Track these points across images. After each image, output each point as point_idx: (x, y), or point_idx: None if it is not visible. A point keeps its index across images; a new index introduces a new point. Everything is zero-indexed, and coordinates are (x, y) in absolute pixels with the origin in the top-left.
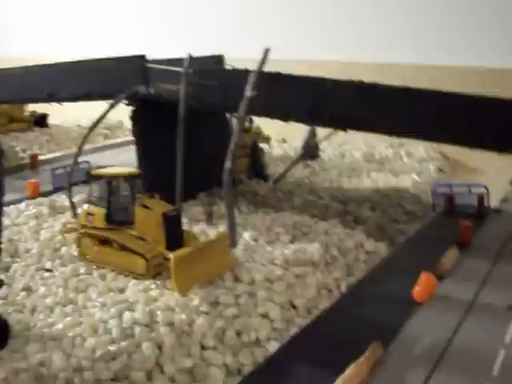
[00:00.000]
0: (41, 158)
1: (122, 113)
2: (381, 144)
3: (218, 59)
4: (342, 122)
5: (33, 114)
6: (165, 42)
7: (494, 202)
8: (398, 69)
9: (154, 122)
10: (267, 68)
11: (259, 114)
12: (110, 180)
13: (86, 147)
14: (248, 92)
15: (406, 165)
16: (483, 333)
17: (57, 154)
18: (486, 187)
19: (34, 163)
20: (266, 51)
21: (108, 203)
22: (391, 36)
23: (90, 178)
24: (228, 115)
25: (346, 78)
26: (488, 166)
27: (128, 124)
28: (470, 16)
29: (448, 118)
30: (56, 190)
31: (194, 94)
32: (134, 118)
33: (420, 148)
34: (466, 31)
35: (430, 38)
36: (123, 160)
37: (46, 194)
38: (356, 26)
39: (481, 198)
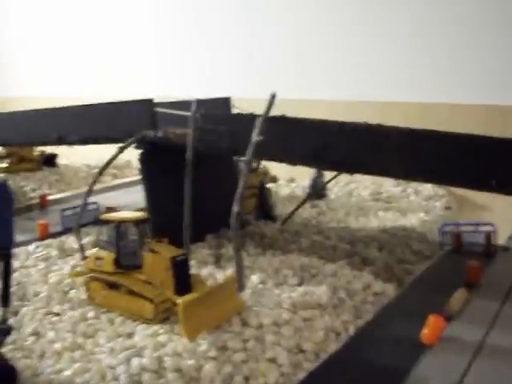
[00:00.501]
0: (50, 197)
1: (130, 153)
2: (388, 182)
3: (225, 101)
4: (347, 165)
5: (42, 153)
6: (173, 81)
7: (501, 239)
8: (402, 107)
9: (162, 164)
10: (275, 109)
11: (266, 158)
12: (119, 224)
13: (95, 187)
14: (255, 137)
15: (414, 203)
16: (493, 375)
17: (66, 194)
18: (493, 225)
19: (44, 203)
20: (273, 96)
21: (117, 247)
22: (395, 74)
23: (98, 222)
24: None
25: (351, 117)
26: (495, 203)
27: (136, 163)
28: (475, 54)
29: (452, 160)
30: (65, 231)
31: (201, 137)
32: (143, 160)
33: (427, 185)
34: (471, 69)
35: (434, 75)
36: (131, 200)
37: (56, 235)
38: (359, 66)
39: (488, 236)
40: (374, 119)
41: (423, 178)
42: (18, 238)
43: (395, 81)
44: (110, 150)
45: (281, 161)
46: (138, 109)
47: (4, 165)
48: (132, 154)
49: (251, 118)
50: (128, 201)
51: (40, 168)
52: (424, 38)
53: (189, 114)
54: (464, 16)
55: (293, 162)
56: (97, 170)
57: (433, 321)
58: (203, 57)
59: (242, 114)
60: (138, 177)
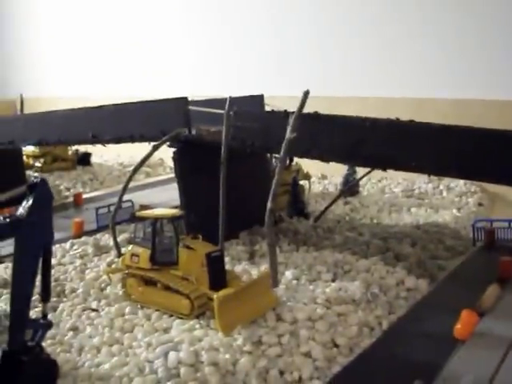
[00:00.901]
0: (84, 196)
1: (163, 151)
2: (420, 179)
3: (258, 99)
4: (380, 161)
5: (76, 152)
6: (206, 79)
7: None
8: (434, 103)
9: (195, 162)
10: (307, 106)
11: (299, 155)
12: (155, 221)
13: (128, 186)
14: (288, 134)
15: (446, 199)
16: None
17: (100, 193)
18: None
19: (78, 202)
20: (306, 94)
21: (152, 244)
22: (427, 71)
23: (134, 219)
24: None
25: (383, 113)
26: None
27: (169, 162)
28: (510, 49)
29: (487, 155)
30: (100, 229)
31: (234, 135)
32: (176, 158)
33: (459, 182)
34: (505, 65)
35: (467, 72)
36: (165, 198)
37: (91, 233)
38: (393, 62)
39: None
40: (406, 116)
41: (456, 173)
42: (55, 235)
43: (428, 77)
44: (142, 148)
45: (314, 158)
46: (172, 107)
47: (38, 164)
48: (165, 153)
49: (284, 115)
50: (161, 199)
51: (74, 167)
52: (457, 34)
53: (222, 111)
54: (498, 12)
55: (326, 158)
56: (130, 169)
57: (466, 316)
58: (235, 55)
59: (275, 112)
60: (171, 175)
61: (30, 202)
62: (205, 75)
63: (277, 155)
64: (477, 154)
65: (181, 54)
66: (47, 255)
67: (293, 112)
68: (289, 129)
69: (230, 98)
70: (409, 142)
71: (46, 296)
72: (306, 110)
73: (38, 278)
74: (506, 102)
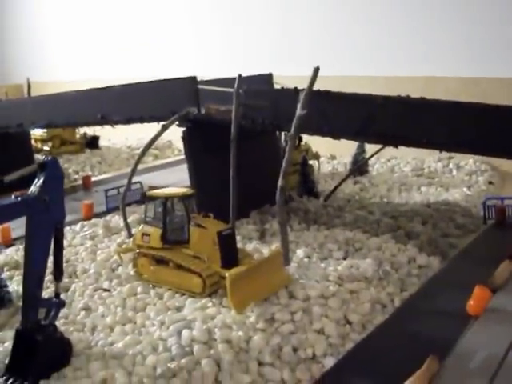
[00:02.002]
0: (93, 179)
1: (172, 133)
2: (429, 158)
3: (267, 78)
4: (391, 138)
5: (84, 136)
6: (214, 60)
7: None
8: (444, 82)
9: (205, 142)
10: (316, 85)
11: (310, 133)
12: (165, 200)
13: (137, 168)
14: (299, 111)
15: (456, 178)
16: None
17: (108, 175)
18: None
19: (87, 184)
20: (316, 70)
21: (163, 223)
22: (436, 49)
23: (145, 198)
24: (277, 133)
25: (394, 93)
26: None
27: (177, 144)
28: None
29: (498, 131)
30: (110, 211)
31: (244, 113)
32: (186, 138)
33: (469, 161)
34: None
35: (476, 50)
36: (174, 180)
37: (100, 215)
38: (400, 41)
39: None
40: (415, 94)
41: (467, 149)
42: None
43: (437, 56)
44: (150, 131)
45: (325, 135)
46: (181, 86)
47: (47, 148)
48: (173, 134)
49: (295, 92)
50: (170, 180)
51: (82, 150)
52: (466, 12)
53: (232, 90)
54: None
55: (337, 135)
56: (138, 152)
57: (479, 292)
58: (244, 36)
59: (285, 89)
60: (179, 157)
61: (42, 180)
62: (213, 56)
63: (287, 133)
64: (488, 129)
65: (188, 34)
66: (59, 234)
67: (303, 89)
68: (299, 106)
69: (239, 76)
70: (420, 118)
71: (58, 275)
72: (315, 89)
73: (50, 259)
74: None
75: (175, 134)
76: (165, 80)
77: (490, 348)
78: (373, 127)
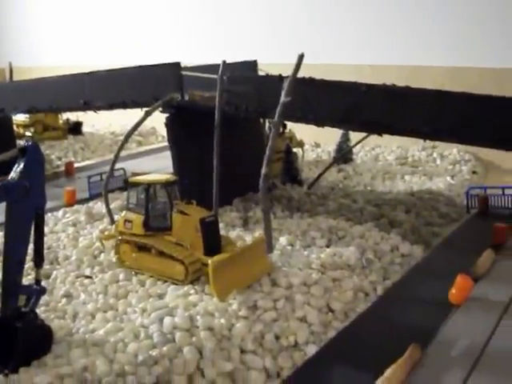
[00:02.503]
0: (76, 165)
1: (155, 119)
2: (414, 147)
3: (252, 65)
4: (376, 126)
5: (67, 121)
6: (198, 47)
7: None
8: (430, 71)
9: (188, 128)
10: (300, 73)
11: (294, 120)
12: (148, 187)
13: (120, 154)
14: (283, 98)
15: (439, 167)
16: None
17: (91, 162)
18: None
19: (70, 171)
20: (300, 57)
21: (146, 210)
22: (423, 38)
23: (127, 185)
24: (261, 120)
25: (378, 81)
26: None
27: (161, 130)
28: (504, 16)
29: (482, 120)
30: (92, 197)
31: (228, 100)
32: (169, 125)
33: (453, 150)
34: (499, 33)
35: (462, 39)
36: (157, 167)
37: (83, 202)
38: (387, 29)
39: None
40: (401, 83)
41: (452, 138)
42: (47, 204)
43: (423, 45)
44: (133, 117)
45: (309, 122)
46: (165, 72)
47: (29, 133)
48: (157, 121)
49: (279, 79)
50: (153, 167)
51: (65, 136)
52: (453, 2)
53: (216, 76)
54: None
55: (321, 123)
56: (121, 138)
57: (461, 281)
58: (227, 23)
59: (269, 76)
60: (163, 144)
61: (22, 165)
62: (197, 43)
63: (271, 120)
64: (472, 118)
65: (174, 21)
66: (39, 219)
67: (287, 76)
68: (283, 93)
69: (224, 62)
70: (405, 106)
71: (38, 261)
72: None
73: (31, 246)
74: (501, 70)
75: (159, 120)
76: (148, 66)
77: (472, 336)
78: (357, 115)
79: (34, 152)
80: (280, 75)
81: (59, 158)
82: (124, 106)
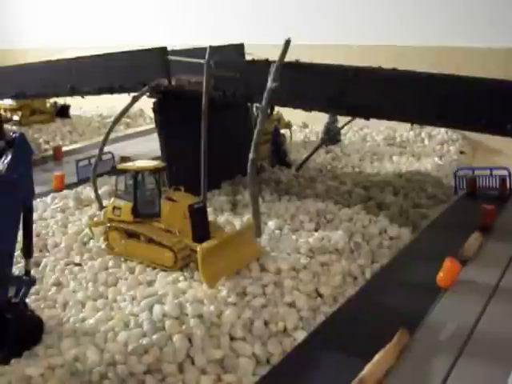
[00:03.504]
0: (64, 149)
1: (144, 101)
2: (402, 127)
3: (239, 47)
4: (363, 110)
5: (54, 105)
6: (186, 28)
7: None
8: (417, 51)
9: (176, 113)
10: (289, 54)
11: (281, 105)
12: (136, 174)
13: (109, 137)
14: (270, 83)
15: (428, 147)
16: (508, 317)
17: (80, 145)
18: (508, 169)
19: (58, 155)
20: (287, 42)
21: (134, 197)
22: (410, 18)
23: (115, 172)
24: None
25: (366, 61)
26: (510, 148)
27: (149, 112)
28: None
29: (467, 104)
30: (81, 182)
31: (215, 85)
32: (157, 109)
33: (441, 130)
34: (488, 12)
35: (449, 19)
36: (146, 150)
37: (72, 186)
38: (374, 9)
39: (503, 181)
40: (389, 64)
41: (440, 123)
42: (35, 189)
43: (410, 25)
44: (121, 99)
45: (296, 107)
46: (151, 57)
47: (16, 117)
48: (145, 103)
49: (266, 64)
50: (142, 150)
51: (53, 120)
52: None
53: (203, 61)
54: None
55: (308, 108)
56: (109, 120)
57: (448, 264)
58: (214, 3)
59: (256, 61)
60: (152, 125)
61: (9, 158)
62: (185, 24)
63: (258, 105)
64: (461, 102)
65: (158, 2)
66: (28, 211)
67: (274, 61)
68: (270, 78)
69: (211, 47)
70: (392, 90)
71: (28, 253)
72: (288, 58)
73: (20, 234)
74: (487, 49)
75: (147, 103)
76: (134, 51)
77: (460, 320)
78: (344, 100)
79: (21, 144)
80: (267, 59)
81: (47, 142)
82: (111, 91)
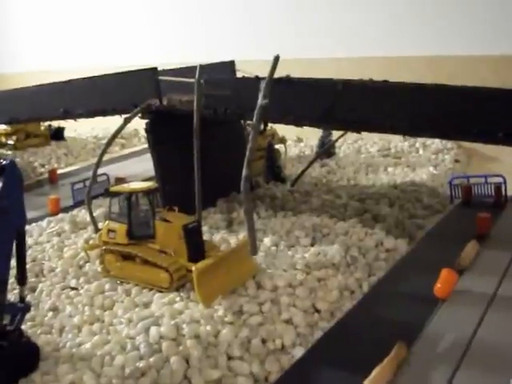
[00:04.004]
0: (59, 171)
1: (137, 121)
2: (396, 137)
3: (229, 65)
4: (354, 124)
5: (49, 128)
6: (177, 46)
7: (511, 190)
8: (407, 61)
9: (168, 132)
10: (279, 69)
11: (272, 121)
12: (129, 196)
13: (104, 158)
14: (260, 100)
15: (422, 157)
16: (506, 326)
17: (75, 167)
18: (503, 177)
19: (53, 178)
20: (276, 59)
21: (128, 219)
22: (400, 29)
23: (109, 194)
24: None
25: (357, 74)
26: (504, 155)
27: (143, 132)
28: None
29: (458, 114)
30: (77, 205)
31: (206, 103)
32: (149, 129)
33: (435, 139)
34: (478, 20)
35: (439, 29)
36: (141, 170)
37: (67, 210)
38: (366, 21)
39: (498, 188)
40: (380, 75)
41: (430, 133)
42: (30, 214)
43: (400, 35)
44: (116, 119)
45: (288, 123)
46: (142, 78)
47: (11, 142)
48: (139, 123)
49: (256, 81)
50: (137, 170)
51: (48, 143)
52: None
53: (193, 80)
54: None
55: (300, 123)
56: (104, 141)
57: (445, 274)
58: (205, 20)
59: (246, 78)
60: (146, 145)
61: (0, 185)
62: (175, 42)
63: (250, 122)
64: (452, 112)
65: (149, 20)
66: (21, 238)
67: (264, 77)
68: (261, 95)
69: (201, 65)
70: (383, 102)
71: (22, 279)
72: (279, 73)
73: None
74: (479, 57)
75: (141, 122)
76: (125, 72)
77: (458, 330)
78: (335, 114)
79: (12, 171)
80: (257, 76)
81: (42, 165)
82: (104, 113)
